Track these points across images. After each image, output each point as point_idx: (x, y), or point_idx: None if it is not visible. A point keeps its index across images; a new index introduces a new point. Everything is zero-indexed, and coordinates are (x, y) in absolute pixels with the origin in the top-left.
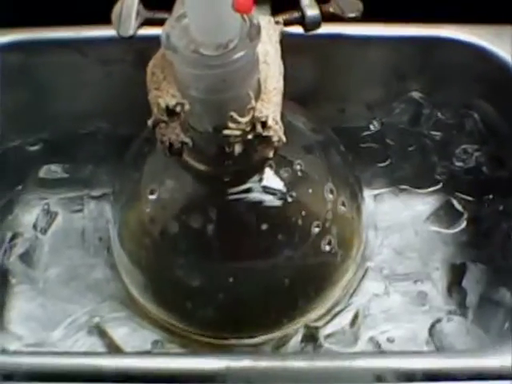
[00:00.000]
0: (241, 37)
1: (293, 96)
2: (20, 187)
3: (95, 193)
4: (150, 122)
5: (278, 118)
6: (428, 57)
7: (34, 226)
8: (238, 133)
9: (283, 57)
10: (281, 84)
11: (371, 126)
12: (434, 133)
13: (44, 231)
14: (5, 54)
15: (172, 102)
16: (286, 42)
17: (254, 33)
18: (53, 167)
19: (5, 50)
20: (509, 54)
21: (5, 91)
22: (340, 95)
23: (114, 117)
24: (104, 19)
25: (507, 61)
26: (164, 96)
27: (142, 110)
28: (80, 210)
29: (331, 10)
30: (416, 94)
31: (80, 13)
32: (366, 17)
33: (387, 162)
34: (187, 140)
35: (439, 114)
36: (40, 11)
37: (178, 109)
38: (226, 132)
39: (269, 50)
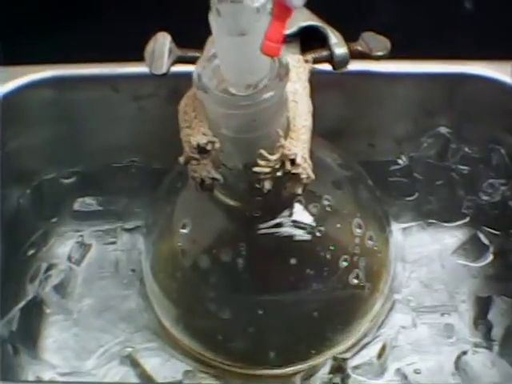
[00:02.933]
0: (270, 77)
1: (322, 132)
2: (55, 219)
3: (128, 225)
4: (181, 160)
5: (307, 155)
6: (454, 93)
7: (69, 258)
8: (267, 170)
9: (312, 93)
10: (309, 122)
11: (399, 161)
12: (461, 167)
13: (78, 263)
14: (41, 89)
15: (203, 141)
16: (315, 78)
17: (283, 73)
18: (87, 200)
19: (41, 86)
20: None
21: (41, 125)
22: (369, 131)
23: (147, 151)
24: (137, 56)
25: None
26: (195, 134)
27: (174, 145)
28: (113, 242)
29: (359, 48)
30: (443, 129)
31: (113, 49)
32: (393, 54)
33: (415, 196)
34: (218, 176)
35: (466, 149)
36: (75, 47)
37: (209, 147)
38: (256, 169)
39: (298, 88)
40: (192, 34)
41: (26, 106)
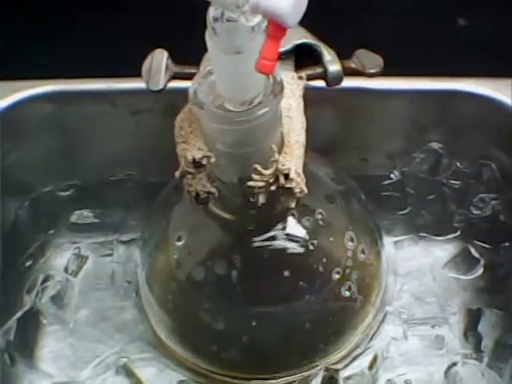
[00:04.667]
0: (265, 93)
1: (316, 146)
2: (52, 231)
3: (124, 238)
4: (177, 174)
5: (301, 170)
6: (446, 109)
7: (66, 269)
8: (261, 184)
9: (306, 109)
10: (303, 137)
11: (392, 175)
12: (452, 182)
13: (75, 274)
14: (40, 104)
15: (198, 155)
16: (309, 94)
17: (277, 89)
18: (84, 212)
19: (40, 100)
20: None
21: (39, 139)
22: (362, 146)
23: (144, 165)
24: (135, 71)
25: None
26: (191, 149)
27: (170, 158)
28: (110, 254)
29: (353, 65)
30: (435, 145)
31: (112, 64)
32: (386, 70)
33: (407, 210)
34: (213, 190)
35: (458, 164)
36: (74, 62)
37: (204, 161)
38: (250, 183)
39: (292, 104)
40: (189, 50)
41: (25, 120)
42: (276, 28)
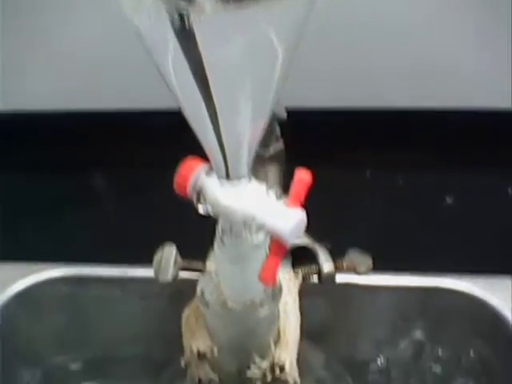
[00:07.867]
0: (265, 295)
1: (309, 332)
2: None
3: None
4: (182, 362)
5: (294, 361)
6: (429, 302)
7: None
8: (258, 375)
9: (301, 299)
10: (297, 331)
11: (378, 360)
12: (434, 367)
13: None
14: (55, 285)
15: (202, 347)
16: (303, 287)
17: (276, 293)
18: None
19: (55, 282)
20: (500, 301)
21: (53, 316)
22: (351, 333)
23: (150, 344)
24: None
25: (499, 307)
26: (196, 341)
27: (174, 340)
28: None
29: (344, 265)
30: (419, 333)
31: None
32: (375, 266)
33: None
34: (214, 377)
35: (439, 352)
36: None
37: (208, 353)
38: (249, 374)
39: (288, 300)
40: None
41: (42, 299)
42: (278, 246)
